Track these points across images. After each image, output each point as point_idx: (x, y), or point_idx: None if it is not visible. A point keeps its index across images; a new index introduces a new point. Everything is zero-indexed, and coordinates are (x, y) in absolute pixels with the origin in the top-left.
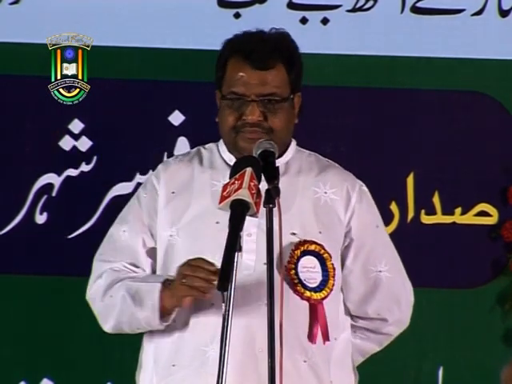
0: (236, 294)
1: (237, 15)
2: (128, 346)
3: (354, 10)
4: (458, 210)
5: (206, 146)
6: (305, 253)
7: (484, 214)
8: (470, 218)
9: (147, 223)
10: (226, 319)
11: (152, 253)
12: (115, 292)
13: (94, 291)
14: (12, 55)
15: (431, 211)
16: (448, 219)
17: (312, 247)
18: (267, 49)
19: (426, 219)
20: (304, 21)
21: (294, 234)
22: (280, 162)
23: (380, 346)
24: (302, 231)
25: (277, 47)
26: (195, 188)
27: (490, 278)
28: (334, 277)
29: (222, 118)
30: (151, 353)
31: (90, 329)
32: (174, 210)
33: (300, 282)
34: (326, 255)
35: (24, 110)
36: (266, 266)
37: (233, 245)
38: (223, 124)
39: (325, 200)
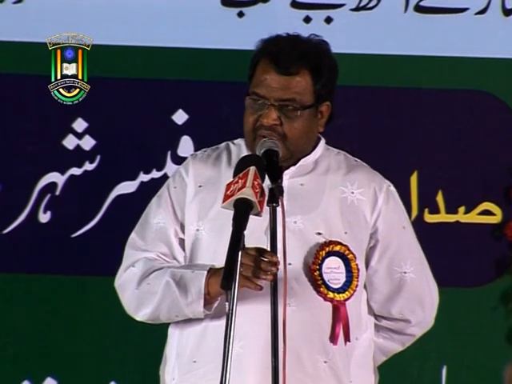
0: (258, 292)
1: (240, 14)
2: (131, 346)
3: (357, 8)
4: (462, 209)
5: (235, 141)
6: (329, 253)
7: (487, 213)
8: (473, 217)
9: (178, 215)
10: (229, 317)
11: (183, 244)
12: (154, 280)
13: (125, 279)
14: (16, 54)
15: (435, 210)
16: (451, 218)
17: (337, 248)
18: (294, 55)
19: (429, 218)
20: (307, 20)
21: (319, 233)
22: (308, 160)
23: (403, 346)
24: (328, 231)
25: (304, 54)
26: (223, 183)
27: (493, 277)
28: (357, 278)
29: (244, 117)
30: (174, 347)
31: (94, 328)
32: (201, 204)
33: (324, 282)
34: (350, 256)
35: (28, 108)
36: (290, 266)
37: (236, 244)
38: (244, 124)
39: (351, 200)
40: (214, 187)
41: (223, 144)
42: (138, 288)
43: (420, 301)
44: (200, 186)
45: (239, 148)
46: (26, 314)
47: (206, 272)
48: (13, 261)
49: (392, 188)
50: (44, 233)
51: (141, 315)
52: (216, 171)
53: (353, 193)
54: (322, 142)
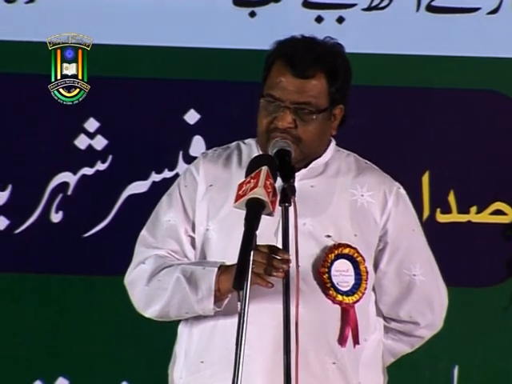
0: (265, 293)
1: (252, 14)
2: (143, 345)
3: (369, 8)
4: (474, 209)
5: (246, 141)
6: (338, 256)
7: (499, 213)
8: (485, 217)
9: (189, 213)
10: (241, 317)
11: (194, 242)
12: (164, 276)
13: (135, 275)
14: (26, 53)
15: (446, 210)
16: (463, 218)
17: (346, 250)
18: (310, 58)
19: (441, 218)
20: (319, 19)
21: (328, 236)
22: (319, 163)
23: (412, 347)
24: (337, 234)
25: (321, 57)
26: (233, 183)
27: (504, 277)
28: (366, 280)
29: (258, 118)
30: (183, 345)
31: (106, 327)
32: (211, 203)
33: (332, 285)
34: (359, 259)
35: (39, 108)
36: (299, 268)
37: (248, 244)
38: (258, 125)
39: (361, 203)
40: (225, 187)
41: (234, 143)
42: (148, 285)
43: (429, 303)
44: (210, 186)
45: (250, 148)
46: (37, 314)
47: (216, 269)
48: (25, 261)
49: (402, 190)
50: (56, 233)
51: (150, 312)
52: (227, 171)
53: (363, 195)
54: (333, 143)
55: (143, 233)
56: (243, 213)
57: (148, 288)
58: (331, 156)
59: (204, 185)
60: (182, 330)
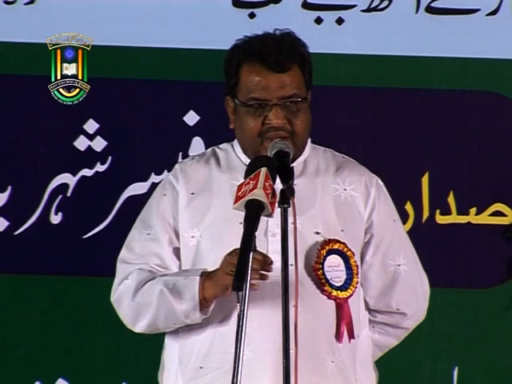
0: (265, 295)
1: (251, 15)
2: (143, 346)
3: (368, 9)
4: (473, 210)
5: (221, 146)
6: (330, 252)
7: (499, 214)
8: (484, 218)
9: (171, 223)
10: (240, 319)
11: (177, 253)
12: (148, 290)
13: (120, 292)
14: (26, 55)
15: (446, 211)
16: (463, 219)
17: (336, 246)
18: (282, 51)
19: (440, 219)
20: (319, 21)
21: (317, 233)
22: (298, 161)
23: (398, 340)
24: (326, 230)
25: (290, 48)
26: (215, 189)
27: (504, 278)
28: (357, 274)
29: (243, 125)
30: (175, 353)
31: (105, 328)
32: (195, 211)
33: (327, 281)
34: (349, 253)
35: (39, 109)
36: (292, 267)
37: (248, 245)
38: (246, 131)
39: (345, 197)
40: (207, 193)
41: (209, 150)
42: (134, 300)
43: (414, 293)
44: (192, 194)
45: (226, 152)
46: (37, 315)
47: (198, 277)
48: (24, 262)
49: (380, 182)
50: (55, 234)
51: (138, 327)
52: (207, 177)
53: (345, 190)
54: (309, 140)
55: (123, 250)
56: (229, 218)
57: (134, 303)
58: (308, 154)
59: (185, 193)
60: (171, 339)
